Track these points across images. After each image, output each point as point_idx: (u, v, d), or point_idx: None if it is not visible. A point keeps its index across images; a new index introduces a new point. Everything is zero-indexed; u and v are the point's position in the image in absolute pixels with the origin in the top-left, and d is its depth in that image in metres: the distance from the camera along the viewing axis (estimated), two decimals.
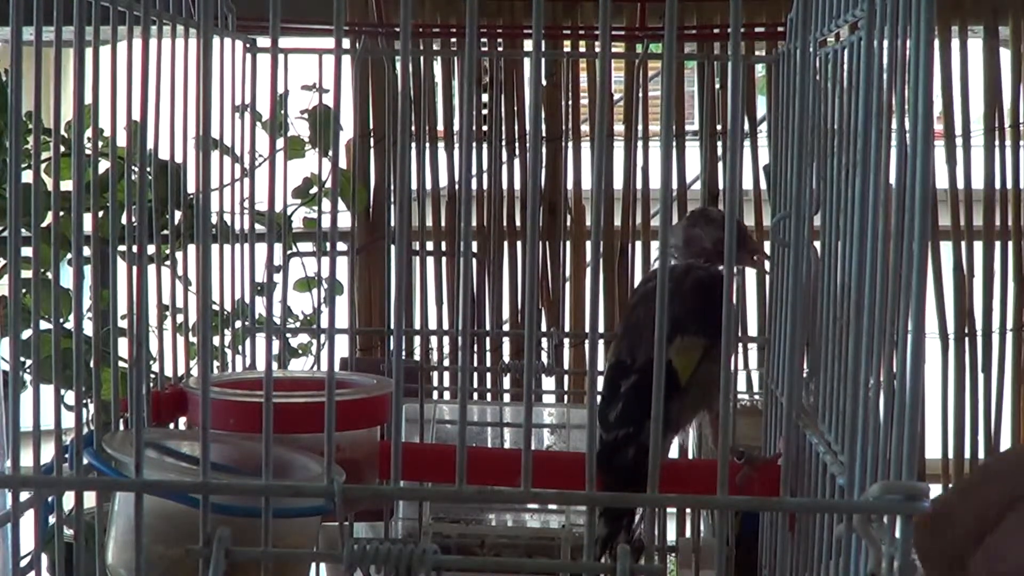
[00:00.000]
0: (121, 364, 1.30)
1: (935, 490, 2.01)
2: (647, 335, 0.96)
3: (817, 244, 0.99)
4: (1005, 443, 2.03)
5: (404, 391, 1.29)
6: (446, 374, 1.62)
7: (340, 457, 0.91)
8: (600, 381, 1.22)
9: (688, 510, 1.53)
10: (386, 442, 1.01)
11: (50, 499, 0.87)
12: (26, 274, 0.91)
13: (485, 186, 1.94)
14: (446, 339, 1.85)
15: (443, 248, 1.96)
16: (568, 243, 1.99)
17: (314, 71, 1.51)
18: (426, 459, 1.08)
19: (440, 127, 1.97)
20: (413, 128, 1.86)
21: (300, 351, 2.00)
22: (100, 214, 0.89)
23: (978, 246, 2.00)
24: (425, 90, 1.92)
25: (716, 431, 1.07)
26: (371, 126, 1.95)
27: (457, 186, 1.93)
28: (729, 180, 0.77)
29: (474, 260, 1.94)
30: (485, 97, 1.93)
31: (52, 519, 0.87)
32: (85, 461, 0.86)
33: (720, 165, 1.93)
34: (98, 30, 0.85)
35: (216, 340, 1.33)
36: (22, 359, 1.25)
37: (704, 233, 1.02)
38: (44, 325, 0.95)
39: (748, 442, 1.23)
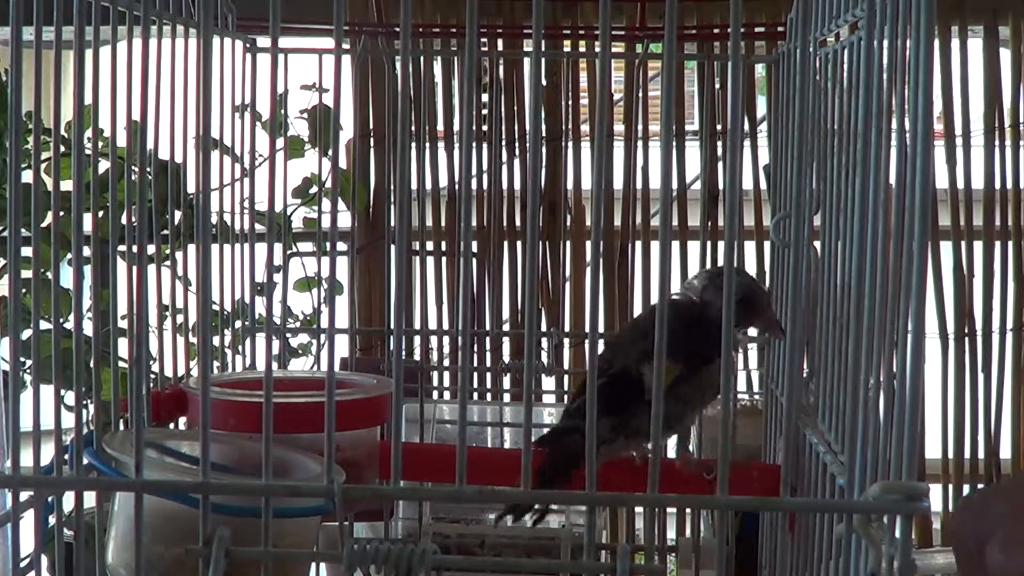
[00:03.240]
0: (121, 364, 1.30)
1: (935, 490, 2.01)
2: (627, 350, 1.01)
3: (817, 244, 0.99)
4: (1005, 443, 2.03)
5: (404, 391, 1.29)
6: (446, 374, 1.62)
7: (340, 457, 0.91)
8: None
9: (688, 510, 1.53)
10: (386, 442, 1.01)
11: (50, 499, 0.87)
12: (26, 274, 0.91)
13: (485, 186, 1.94)
14: (446, 339, 1.85)
15: (443, 248, 1.96)
16: (568, 243, 1.99)
17: (314, 71, 1.51)
18: (426, 459, 1.08)
19: (440, 127, 1.97)
20: (413, 128, 1.86)
21: (300, 351, 2.00)
22: (100, 214, 0.89)
23: (978, 246, 2.00)
24: (425, 90, 1.91)
25: (681, 448, 1.09)
26: (371, 126, 1.95)
27: (457, 186, 1.93)
28: (729, 180, 0.77)
29: (474, 260, 1.94)
30: (485, 97, 1.93)
31: (52, 519, 0.87)
32: (85, 461, 0.86)
33: (720, 165, 1.93)
34: (98, 30, 0.85)
35: (216, 340, 1.33)
36: (22, 359, 1.25)
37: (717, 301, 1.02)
38: (44, 325, 0.95)
39: (748, 442, 1.24)
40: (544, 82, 1.93)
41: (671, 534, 1.43)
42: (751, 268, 1.92)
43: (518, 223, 1.96)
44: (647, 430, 1.03)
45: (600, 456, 0.98)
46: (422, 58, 1.87)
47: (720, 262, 1.85)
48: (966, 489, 2.02)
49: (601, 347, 1.15)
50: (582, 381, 1.04)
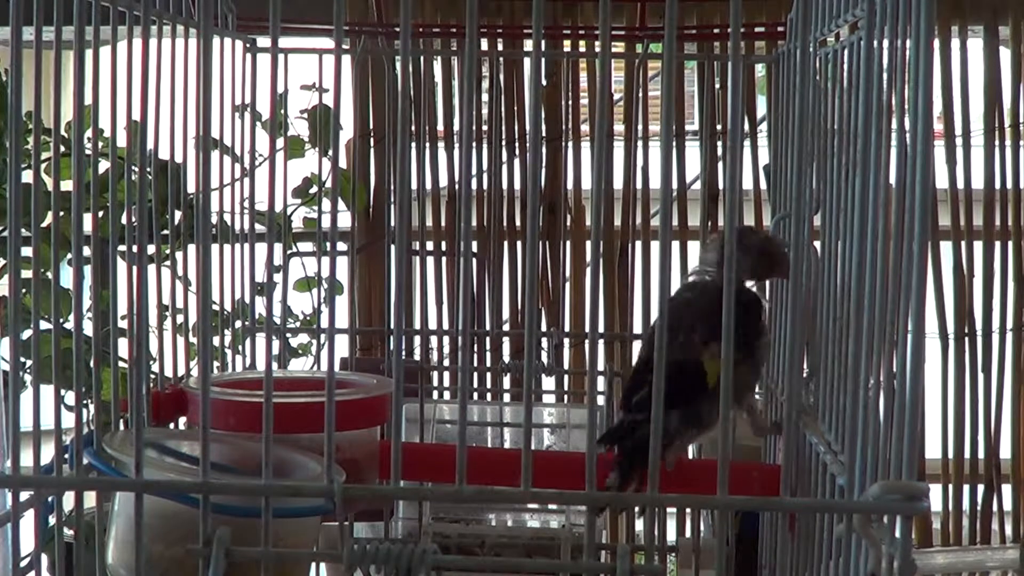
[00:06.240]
0: (121, 364, 1.30)
1: (935, 490, 2.01)
2: (678, 338, 0.99)
3: (817, 244, 0.99)
4: (1005, 443, 2.03)
5: (404, 391, 1.29)
6: (446, 374, 1.62)
7: (340, 457, 0.91)
8: (601, 381, 1.23)
9: (688, 510, 1.53)
10: (386, 442, 1.01)
11: (50, 499, 0.87)
12: (26, 274, 0.91)
13: (485, 186, 1.94)
14: (446, 339, 1.85)
15: (443, 248, 1.96)
16: (568, 243, 1.99)
17: (314, 71, 1.52)
18: (426, 459, 1.08)
19: (440, 127, 1.97)
20: (413, 128, 1.86)
21: (300, 351, 2.00)
22: (100, 214, 0.89)
23: (978, 246, 2.00)
24: (425, 90, 1.91)
25: (752, 422, 1.08)
26: (371, 126, 1.95)
27: (457, 186, 1.93)
28: (729, 180, 0.77)
29: (474, 260, 1.94)
30: (485, 97, 1.93)
31: (52, 519, 0.87)
32: (85, 461, 0.86)
33: (720, 165, 1.93)
34: (98, 30, 0.85)
35: (216, 340, 1.33)
36: (22, 359, 1.25)
37: (740, 259, 1.03)
38: (44, 325, 0.95)
39: (748, 443, 1.24)
40: (544, 82, 1.93)
41: (671, 534, 1.43)
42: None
43: (518, 223, 1.96)
44: (715, 418, 1.04)
45: (674, 450, 0.99)
46: (422, 58, 1.87)
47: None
48: (966, 489, 2.03)
49: (601, 340, 1.14)
50: (634, 372, 1.04)
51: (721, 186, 1.91)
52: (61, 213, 0.83)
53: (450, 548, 1.20)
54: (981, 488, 2.03)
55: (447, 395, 1.49)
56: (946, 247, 2.00)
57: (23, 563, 0.84)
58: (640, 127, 1.92)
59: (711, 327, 0.98)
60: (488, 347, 1.93)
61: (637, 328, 1.83)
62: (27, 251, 0.84)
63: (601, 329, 1.87)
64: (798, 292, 0.90)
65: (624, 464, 0.96)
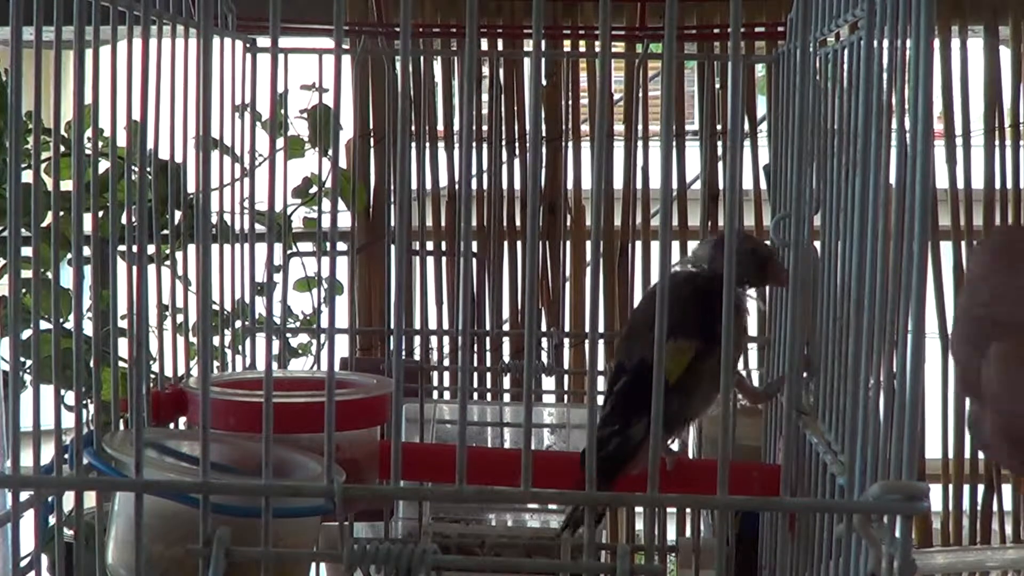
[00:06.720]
0: (121, 364, 1.30)
1: (935, 490, 2.00)
2: (642, 338, 0.98)
3: (817, 244, 0.99)
4: None
5: (404, 391, 1.29)
6: (446, 374, 1.62)
7: (340, 457, 0.91)
8: (601, 381, 1.22)
9: (688, 510, 1.53)
10: (386, 442, 1.01)
11: (50, 499, 0.87)
12: (26, 274, 0.91)
13: (485, 186, 1.94)
14: (446, 339, 1.85)
15: (443, 248, 1.95)
16: (568, 243, 1.99)
17: (314, 71, 1.52)
18: (426, 459, 1.08)
19: (440, 127, 1.97)
20: (413, 128, 1.86)
21: (300, 351, 2.00)
22: (100, 214, 0.89)
23: None
24: (425, 90, 1.91)
25: (744, 392, 1.08)
26: (371, 126, 1.94)
27: (457, 186, 1.93)
28: (729, 180, 0.77)
29: (474, 260, 1.94)
30: (485, 97, 1.93)
31: (52, 519, 0.87)
32: (85, 461, 0.86)
33: (720, 165, 1.93)
34: (98, 30, 0.85)
35: (216, 340, 1.33)
36: (22, 359, 1.25)
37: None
38: (44, 325, 0.95)
39: (748, 442, 1.24)
40: (544, 82, 1.93)
41: (671, 534, 1.43)
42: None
43: (518, 223, 1.96)
44: (680, 417, 1.03)
45: (642, 459, 0.95)
46: (422, 58, 1.86)
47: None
48: (966, 489, 2.03)
49: (601, 340, 1.14)
50: (608, 384, 1.03)
51: (721, 186, 1.91)
52: (61, 213, 0.83)
53: (450, 548, 1.20)
54: (981, 488, 2.03)
55: (447, 395, 1.49)
56: (946, 247, 1.99)
57: (23, 563, 0.84)
58: (640, 127, 1.92)
59: (670, 323, 0.97)
60: (488, 347, 1.93)
61: None
62: (27, 251, 0.84)
63: (601, 329, 1.87)
64: (798, 292, 0.90)
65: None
